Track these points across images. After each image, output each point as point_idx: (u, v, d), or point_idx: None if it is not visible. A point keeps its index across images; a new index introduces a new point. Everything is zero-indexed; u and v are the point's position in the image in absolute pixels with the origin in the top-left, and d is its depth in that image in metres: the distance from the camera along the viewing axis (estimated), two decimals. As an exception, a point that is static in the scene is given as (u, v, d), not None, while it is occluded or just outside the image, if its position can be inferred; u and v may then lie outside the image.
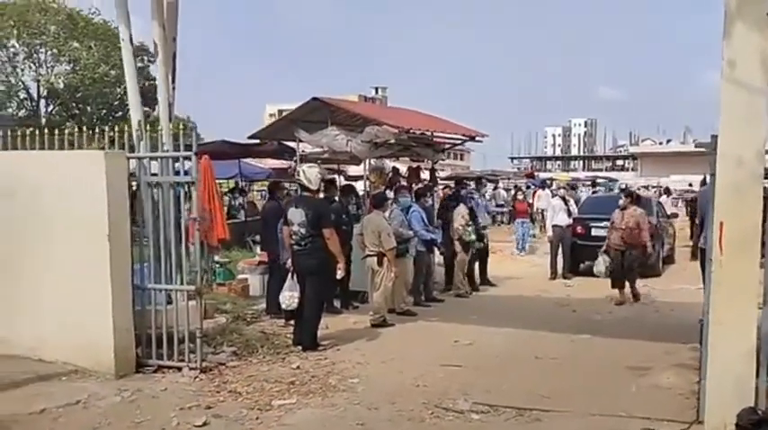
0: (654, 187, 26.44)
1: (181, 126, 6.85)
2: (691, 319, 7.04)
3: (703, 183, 13.04)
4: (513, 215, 19.67)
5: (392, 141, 10.04)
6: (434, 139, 11.28)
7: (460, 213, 10.77)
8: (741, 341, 4.50)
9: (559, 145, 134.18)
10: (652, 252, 11.49)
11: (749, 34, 4.40)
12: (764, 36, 4.37)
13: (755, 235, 4.50)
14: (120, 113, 38.62)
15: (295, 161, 11.81)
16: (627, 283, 10.40)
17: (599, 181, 33.41)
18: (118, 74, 37.39)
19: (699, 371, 5.44)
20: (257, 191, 26.58)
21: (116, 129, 6.69)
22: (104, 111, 38.83)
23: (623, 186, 21.29)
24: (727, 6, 4.47)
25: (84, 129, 6.85)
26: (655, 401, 5.66)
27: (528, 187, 27.16)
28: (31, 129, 6.83)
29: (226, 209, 17.51)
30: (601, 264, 10.60)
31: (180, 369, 6.47)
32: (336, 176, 16.50)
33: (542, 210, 19.38)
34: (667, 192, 24.06)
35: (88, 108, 38.95)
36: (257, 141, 13.10)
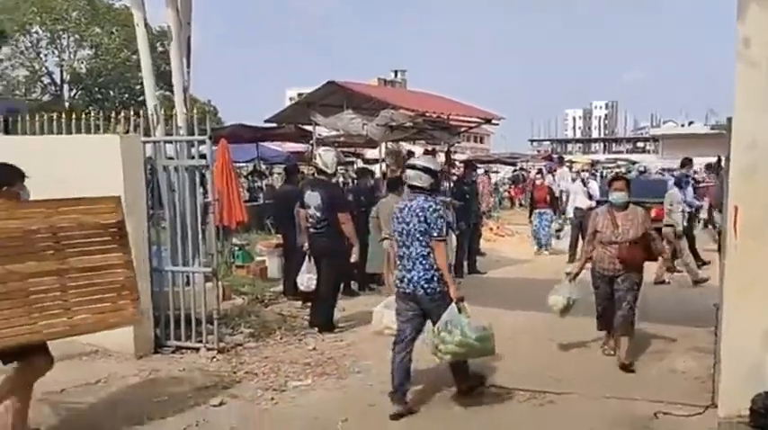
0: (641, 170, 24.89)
1: (198, 110, 6.89)
2: (708, 302, 6.97)
3: (710, 165, 12.52)
4: (532, 204, 14.82)
5: (408, 124, 10.00)
6: (450, 122, 11.22)
7: (674, 199, 10.39)
8: (756, 325, 4.43)
9: (580, 127, 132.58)
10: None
11: (764, 11, 4.29)
12: None
13: (770, 218, 4.42)
14: (143, 98, 38.95)
15: (311, 144, 11.81)
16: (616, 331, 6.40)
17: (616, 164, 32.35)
18: (140, 58, 37.76)
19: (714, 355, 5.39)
20: (278, 174, 26.71)
21: (139, 113, 6.71)
22: (126, 95, 39.20)
23: (642, 169, 19.55)
24: None
25: (108, 113, 6.87)
26: (670, 385, 5.64)
27: (549, 171, 25.70)
28: (56, 113, 6.87)
29: (246, 191, 17.68)
30: (560, 294, 6.62)
31: (197, 350, 6.56)
32: (354, 159, 16.54)
33: (561, 191, 17.32)
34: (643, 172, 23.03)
35: (111, 92, 39.40)
36: (274, 125, 13.11)
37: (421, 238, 5.07)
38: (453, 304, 4.98)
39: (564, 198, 17.32)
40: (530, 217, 14.53)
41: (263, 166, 19.96)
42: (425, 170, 5.24)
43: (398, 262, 5.25)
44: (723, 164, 6.19)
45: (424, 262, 5.06)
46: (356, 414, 5.19)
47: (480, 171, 30.56)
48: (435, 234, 5.04)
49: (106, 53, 36.93)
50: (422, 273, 5.06)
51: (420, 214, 5.07)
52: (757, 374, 4.45)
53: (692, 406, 5.05)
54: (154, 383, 5.81)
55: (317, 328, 7.51)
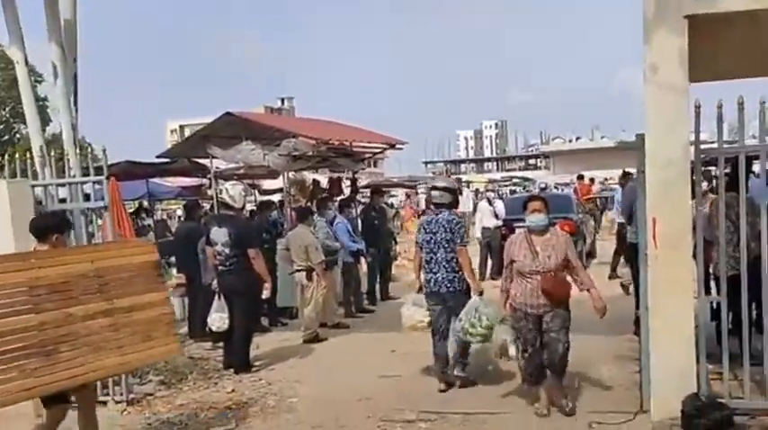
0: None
1: (85, 148, 6.51)
2: (622, 311, 7.21)
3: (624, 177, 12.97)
4: None
5: (310, 153, 9.88)
6: (353, 149, 11.17)
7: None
8: (680, 330, 4.63)
9: (472, 147, 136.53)
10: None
11: (669, 38, 4.54)
12: (684, 38, 4.50)
13: (686, 229, 4.65)
14: (7, 137, 36.58)
15: (209, 178, 11.42)
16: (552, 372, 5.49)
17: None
18: (1, 95, 35.44)
19: (638, 361, 5.55)
20: (163, 210, 25.64)
21: (13, 155, 6.29)
22: (-11, 135, 36.65)
23: (543, 185, 19.72)
24: (645, 12, 4.59)
25: None
26: (598, 395, 5.73)
27: None
28: None
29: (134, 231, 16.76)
30: (505, 335, 5.81)
31: (105, 403, 6.11)
32: (252, 191, 16.15)
33: (463, 213, 18.50)
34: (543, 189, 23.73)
35: (-29, 133, 36.65)
36: (167, 160, 12.57)
37: (446, 245, 6.07)
38: (476, 297, 5.95)
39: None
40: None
41: (147, 204, 19.08)
42: (446, 190, 6.36)
43: (425, 266, 6.20)
44: (629, 177, 6.43)
45: (446, 265, 6.07)
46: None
47: (401, 195, 30.32)
48: (459, 241, 6.09)
49: (-37, 91, 34.48)
50: (445, 274, 6.08)
51: (446, 226, 6.10)
52: (685, 378, 4.64)
53: (623, 413, 5.16)
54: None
55: (232, 369, 7.19)
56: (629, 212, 7.38)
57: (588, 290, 5.43)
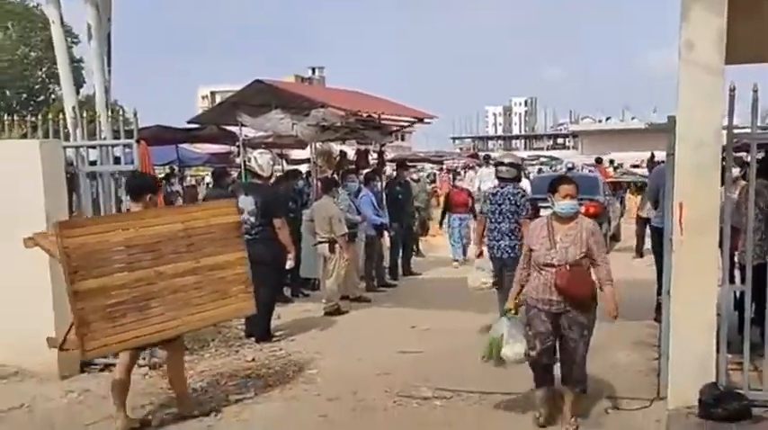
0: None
1: (119, 112, 6.55)
2: (643, 297, 7.16)
3: (651, 161, 12.85)
4: (446, 208, 12.60)
5: (339, 124, 9.84)
6: (382, 122, 11.11)
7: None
8: (702, 318, 4.57)
9: (500, 124, 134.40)
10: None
11: (707, 15, 4.42)
12: (722, 17, 4.39)
13: (714, 215, 4.57)
14: (43, 97, 37.01)
15: (237, 146, 11.46)
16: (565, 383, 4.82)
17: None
18: (39, 55, 35.76)
19: (657, 348, 5.51)
20: (191, 176, 25.85)
21: (47, 115, 6.37)
22: (25, 95, 37.09)
23: (570, 165, 19.05)
24: None
25: (5, 115, 6.52)
26: (615, 379, 5.68)
27: (471, 167, 23.96)
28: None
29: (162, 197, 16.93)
30: (501, 330, 4.85)
31: (127, 367, 6.22)
32: (280, 160, 16.22)
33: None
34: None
35: (6, 92, 37.08)
36: (197, 126, 12.64)
37: (510, 217, 6.78)
38: None
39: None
40: (440, 224, 13.29)
41: (176, 169, 19.24)
42: (512, 165, 7.05)
43: (489, 234, 6.92)
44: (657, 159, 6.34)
45: (510, 234, 6.78)
46: (308, 426, 5.05)
47: (427, 169, 29.92)
48: (524, 214, 6.75)
49: (1, 50, 34.80)
50: (508, 242, 6.78)
51: (511, 198, 6.80)
52: (704, 366, 4.60)
53: (639, 399, 5.14)
54: (83, 405, 5.46)
55: (253, 338, 7.28)
56: (656, 196, 7.28)
57: (601, 287, 4.64)
